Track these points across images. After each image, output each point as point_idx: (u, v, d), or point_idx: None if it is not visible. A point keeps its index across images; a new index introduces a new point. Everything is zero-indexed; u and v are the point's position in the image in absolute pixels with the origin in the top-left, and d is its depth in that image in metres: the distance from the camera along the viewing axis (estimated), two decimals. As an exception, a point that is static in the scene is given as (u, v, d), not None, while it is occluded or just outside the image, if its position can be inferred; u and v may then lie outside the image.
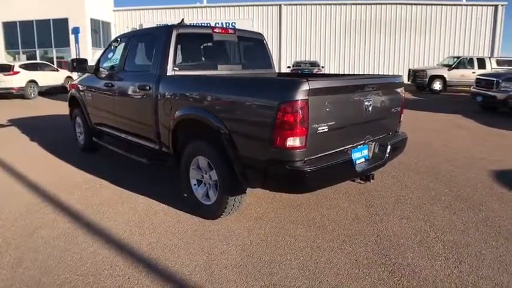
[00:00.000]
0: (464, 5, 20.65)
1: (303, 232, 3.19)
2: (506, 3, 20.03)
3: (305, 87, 2.54)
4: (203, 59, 4.29)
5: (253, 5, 23.93)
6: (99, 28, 23.91)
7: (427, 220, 3.44)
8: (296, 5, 23.33)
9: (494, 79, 9.82)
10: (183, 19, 4.34)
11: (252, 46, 4.72)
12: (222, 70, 4.21)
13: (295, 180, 2.67)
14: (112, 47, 4.95)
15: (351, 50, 22.99)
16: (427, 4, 20.91)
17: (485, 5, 20.48)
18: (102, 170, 4.89)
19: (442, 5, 20.84)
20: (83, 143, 5.85)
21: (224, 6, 24.22)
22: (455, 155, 5.74)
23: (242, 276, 2.56)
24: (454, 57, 17.50)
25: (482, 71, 14.77)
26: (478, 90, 10.45)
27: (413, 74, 17.28)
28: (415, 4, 21.06)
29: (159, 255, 2.82)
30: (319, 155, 2.79)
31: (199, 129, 3.34)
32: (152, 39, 4.10)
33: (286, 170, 2.62)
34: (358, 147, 3.19)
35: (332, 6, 22.72)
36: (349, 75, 4.00)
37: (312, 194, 3.92)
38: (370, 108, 3.16)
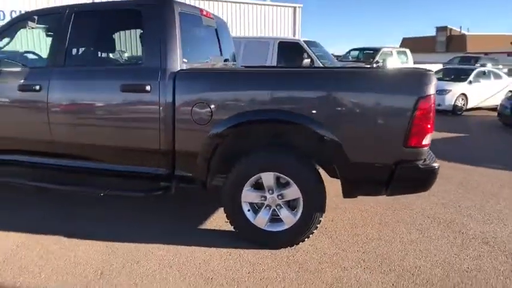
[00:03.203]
0: (270, 5, 23.52)
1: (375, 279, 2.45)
2: (302, 5, 24.02)
3: (434, 80, 2.37)
4: (195, 48, 3.29)
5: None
6: None
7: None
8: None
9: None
10: None
11: (224, 33, 3.95)
12: (215, 62, 3.37)
13: (426, 179, 2.48)
14: (14, 30, 3.15)
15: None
16: (242, 3, 22.68)
17: (286, 6, 23.94)
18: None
19: (253, 4, 23.06)
20: None
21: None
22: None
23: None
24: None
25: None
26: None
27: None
28: (233, 2, 22.46)
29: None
30: None
31: (272, 138, 2.61)
32: (133, 19, 2.85)
33: (420, 170, 2.40)
34: None
35: None
36: None
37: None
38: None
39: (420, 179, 2.48)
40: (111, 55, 3.18)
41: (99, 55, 3.20)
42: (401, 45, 25.80)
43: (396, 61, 12.29)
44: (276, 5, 23.59)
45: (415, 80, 2.40)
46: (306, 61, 7.20)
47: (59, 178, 3.12)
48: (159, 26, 2.72)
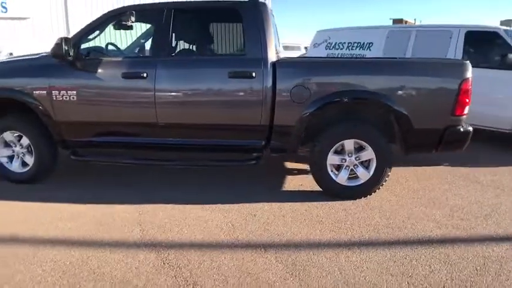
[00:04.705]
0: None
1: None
2: (271, -5, 24.68)
3: (470, 67, 3.25)
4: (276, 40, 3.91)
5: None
6: None
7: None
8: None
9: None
10: None
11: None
12: (283, 51, 4.04)
13: (465, 139, 3.39)
14: (107, 24, 3.57)
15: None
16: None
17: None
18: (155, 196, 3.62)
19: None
20: (28, 170, 3.83)
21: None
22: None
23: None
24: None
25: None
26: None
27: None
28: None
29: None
30: None
31: (354, 113, 3.36)
32: (232, 16, 3.43)
33: (461, 132, 3.32)
34: None
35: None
36: None
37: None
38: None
39: (461, 140, 3.39)
40: (213, 47, 3.70)
41: (204, 47, 3.72)
42: (362, 34, 27.29)
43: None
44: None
45: (459, 67, 3.29)
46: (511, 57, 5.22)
47: (163, 155, 3.66)
48: (258, 23, 3.35)
